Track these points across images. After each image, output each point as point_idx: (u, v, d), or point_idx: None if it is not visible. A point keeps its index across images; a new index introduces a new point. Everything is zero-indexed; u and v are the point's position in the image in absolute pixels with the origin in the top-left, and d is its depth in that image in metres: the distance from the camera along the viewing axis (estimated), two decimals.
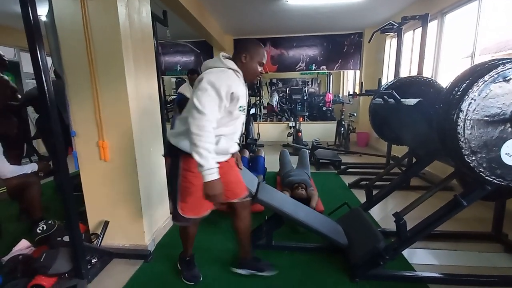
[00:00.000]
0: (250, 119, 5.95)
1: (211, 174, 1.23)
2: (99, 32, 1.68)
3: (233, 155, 1.59)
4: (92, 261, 1.78)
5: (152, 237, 2.05)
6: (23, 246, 1.86)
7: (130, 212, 1.92)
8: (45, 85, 1.34)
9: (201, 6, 3.84)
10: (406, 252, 1.87)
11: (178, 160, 1.41)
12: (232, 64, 1.37)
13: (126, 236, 1.97)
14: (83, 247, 1.66)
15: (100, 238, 1.91)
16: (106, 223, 1.94)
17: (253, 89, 6.47)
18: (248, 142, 5.02)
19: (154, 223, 2.13)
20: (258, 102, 6.42)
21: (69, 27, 1.68)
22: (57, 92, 1.45)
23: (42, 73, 1.32)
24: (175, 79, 7.97)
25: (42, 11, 1.36)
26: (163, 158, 2.33)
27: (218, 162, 1.29)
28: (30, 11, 1.25)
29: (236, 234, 1.72)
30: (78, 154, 1.86)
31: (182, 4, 3.01)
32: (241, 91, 1.34)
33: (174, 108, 3.84)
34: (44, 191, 2.61)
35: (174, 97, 7.02)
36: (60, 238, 1.82)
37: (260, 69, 1.44)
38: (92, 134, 1.80)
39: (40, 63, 1.31)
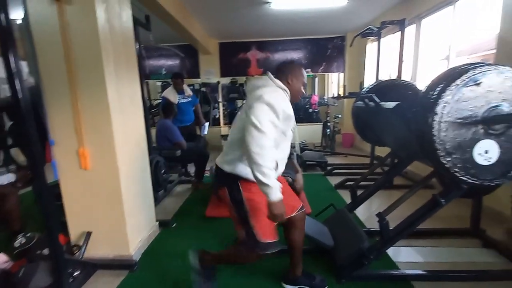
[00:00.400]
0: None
1: (276, 193, 1.20)
2: (78, 37, 1.64)
3: None
4: (75, 274, 1.72)
5: (138, 245, 2.01)
6: (0, 260, 1.77)
7: (113, 221, 1.88)
8: (19, 91, 1.28)
9: (184, 10, 3.82)
10: (390, 251, 1.92)
11: (237, 185, 1.36)
12: (281, 84, 1.39)
13: (110, 246, 1.92)
14: (64, 259, 1.60)
15: (83, 250, 1.85)
16: (89, 234, 1.88)
17: (239, 92, 6.50)
18: None
19: (140, 231, 2.09)
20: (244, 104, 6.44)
21: (46, 31, 1.64)
22: (35, 97, 1.40)
23: (15, 78, 1.27)
24: (160, 82, 7.86)
25: (17, 15, 1.32)
26: (148, 164, 2.30)
27: None
28: (2, 14, 1.20)
29: (290, 248, 1.62)
30: (58, 163, 1.80)
31: (165, 9, 2.98)
32: (291, 111, 1.35)
33: (159, 112, 3.78)
34: (25, 201, 2.50)
35: (160, 101, 6.95)
36: (40, 251, 1.75)
37: (303, 89, 1.48)
38: (72, 142, 1.75)
39: (13, 67, 1.26)
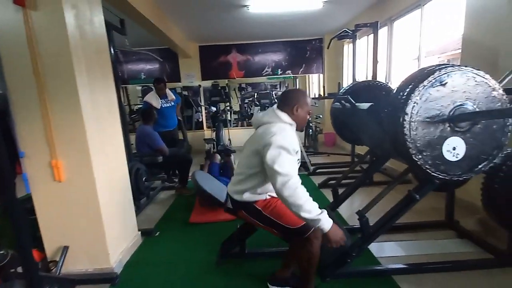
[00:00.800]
0: (220, 125, 5.93)
1: (326, 222, 1.26)
2: (46, 45, 1.57)
3: None
4: None
5: (119, 257, 1.95)
6: None
7: (91, 234, 1.81)
8: None
9: (161, 13, 3.77)
10: (372, 247, 1.98)
11: (253, 207, 1.49)
12: (287, 117, 1.43)
13: (89, 260, 1.85)
14: (39, 277, 1.52)
15: (60, 265, 1.77)
16: (65, 248, 1.80)
17: (221, 95, 6.46)
18: (219, 148, 4.99)
19: (120, 242, 2.03)
20: (227, 107, 6.42)
21: (11, 39, 1.56)
22: (2, 107, 1.33)
23: None
24: (140, 87, 7.68)
25: None
26: (127, 172, 2.24)
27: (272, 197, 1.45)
28: None
29: (294, 258, 1.59)
30: (29, 176, 1.72)
31: (140, 12, 2.92)
32: (298, 143, 1.39)
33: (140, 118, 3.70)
34: None
35: (141, 106, 6.78)
36: (14, 270, 1.66)
37: (308, 117, 1.51)
38: (43, 154, 1.67)
39: None
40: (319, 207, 1.31)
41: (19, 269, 1.64)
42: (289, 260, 1.67)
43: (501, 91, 1.33)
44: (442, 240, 2.12)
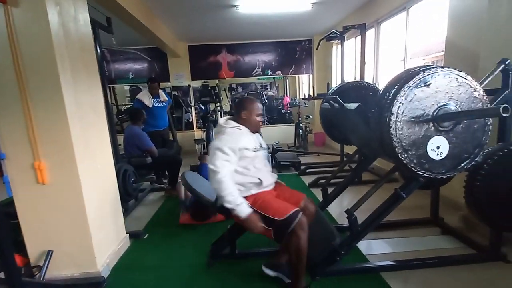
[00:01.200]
0: (211, 126, 5.89)
1: (242, 211, 1.48)
2: (28, 43, 1.53)
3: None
4: None
5: (106, 261, 1.91)
6: None
7: (77, 237, 1.76)
8: None
9: (149, 12, 3.71)
10: (361, 245, 2.01)
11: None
12: (232, 123, 1.67)
13: (76, 264, 1.80)
14: (21, 283, 1.48)
15: (44, 271, 1.71)
16: (50, 253, 1.75)
17: (211, 95, 6.43)
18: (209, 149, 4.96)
19: (108, 245, 1.99)
20: (218, 108, 6.39)
21: None
22: None
23: None
24: (128, 87, 7.55)
25: None
26: (115, 174, 2.20)
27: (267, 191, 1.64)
28: None
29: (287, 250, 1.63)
30: (11, 179, 1.66)
31: (127, 10, 2.87)
32: (244, 140, 1.60)
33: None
34: None
35: (130, 106, 6.66)
36: None
37: (259, 118, 1.72)
38: (25, 155, 1.62)
39: None
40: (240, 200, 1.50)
41: (1, 275, 1.58)
42: (283, 251, 1.75)
43: (482, 92, 1.38)
44: (428, 237, 2.18)
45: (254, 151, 1.64)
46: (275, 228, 1.51)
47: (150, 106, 3.84)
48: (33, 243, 1.77)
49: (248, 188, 1.63)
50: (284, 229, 1.48)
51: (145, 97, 3.87)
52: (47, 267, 1.73)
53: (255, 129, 1.71)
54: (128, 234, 2.28)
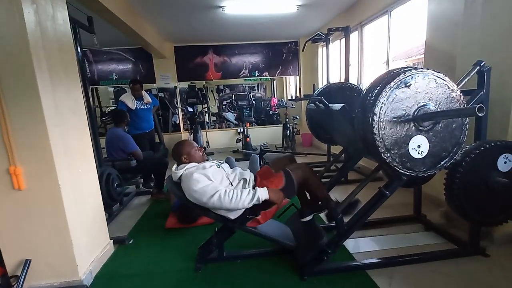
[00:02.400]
0: (198, 127, 5.84)
1: (262, 194, 1.64)
2: (2, 44, 1.46)
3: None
4: None
5: (88, 268, 1.84)
6: None
7: (57, 245, 1.70)
8: None
9: (133, 12, 3.63)
10: (348, 243, 2.04)
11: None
12: (184, 166, 1.80)
13: (56, 273, 1.73)
14: None
15: (21, 280, 1.64)
16: (28, 262, 1.67)
17: (198, 96, 6.37)
18: None
19: (90, 252, 1.92)
20: (205, 109, 6.34)
21: None
22: None
23: None
24: (113, 88, 7.36)
25: None
26: (97, 178, 2.13)
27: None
28: None
29: (305, 187, 1.91)
30: None
31: (109, 9, 2.80)
32: (207, 169, 1.74)
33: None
34: None
35: (114, 107, 6.49)
36: None
37: (198, 150, 1.90)
38: (0, 160, 1.55)
39: None
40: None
41: None
42: (303, 202, 2.04)
43: (459, 92, 1.43)
44: (412, 234, 2.24)
45: (219, 167, 1.82)
46: (285, 192, 1.71)
47: (133, 108, 3.79)
48: (9, 251, 1.69)
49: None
50: (291, 184, 1.72)
51: (128, 99, 3.80)
52: (25, 277, 1.65)
53: (201, 160, 1.86)
54: (112, 240, 2.21)
